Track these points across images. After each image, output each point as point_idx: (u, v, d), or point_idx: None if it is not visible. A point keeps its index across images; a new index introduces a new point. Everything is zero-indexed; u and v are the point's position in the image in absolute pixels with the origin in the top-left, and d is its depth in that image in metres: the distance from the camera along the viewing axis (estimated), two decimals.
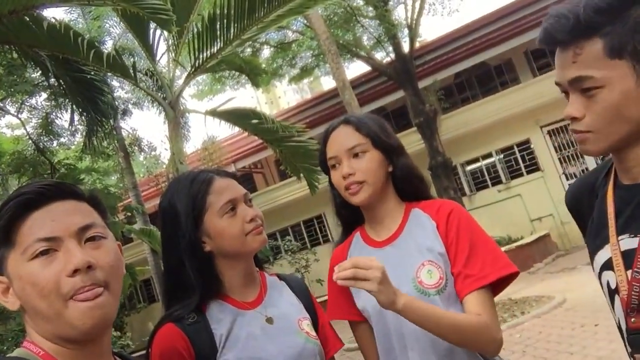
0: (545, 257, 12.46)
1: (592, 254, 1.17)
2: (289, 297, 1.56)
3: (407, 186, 1.63)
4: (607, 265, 1.10)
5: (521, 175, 14.62)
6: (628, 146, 1.07)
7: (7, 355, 0.98)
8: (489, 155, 14.97)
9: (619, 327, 1.12)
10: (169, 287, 1.47)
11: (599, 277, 1.14)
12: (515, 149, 14.68)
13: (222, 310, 1.42)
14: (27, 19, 5.75)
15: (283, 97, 55.29)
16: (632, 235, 1.05)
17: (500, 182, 14.79)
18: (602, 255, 1.12)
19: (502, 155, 14.86)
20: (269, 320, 1.45)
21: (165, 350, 1.34)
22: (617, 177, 1.14)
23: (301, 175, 8.45)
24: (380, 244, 1.60)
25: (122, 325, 15.90)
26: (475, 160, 15.14)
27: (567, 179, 13.83)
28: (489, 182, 14.95)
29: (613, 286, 1.10)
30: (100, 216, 1.05)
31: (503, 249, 1.49)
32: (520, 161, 14.64)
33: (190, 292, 1.41)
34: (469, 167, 15.23)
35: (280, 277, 1.63)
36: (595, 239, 1.16)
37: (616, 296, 1.09)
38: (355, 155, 1.56)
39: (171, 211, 1.45)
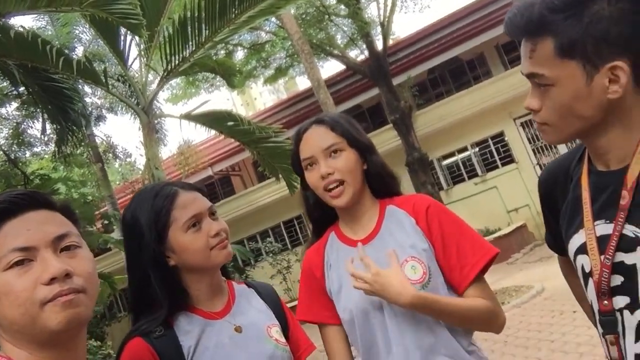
0: (522, 247, 12.66)
1: (567, 238, 1.19)
2: (258, 304, 1.56)
3: (380, 183, 1.64)
4: (582, 249, 1.13)
5: (496, 167, 14.83)
6: (595, 134, 1.09)
7: None
8: (465, 149, 15.15)
9: (592, 310, 1.15)
10: (135, 301, 1.46)
11: (574, 261, 1.17)
12: (490, 142, 14.87)
13: (190, 322, 1.41)
14: None
15: (259, 98, 55.05)
16: (608, 222, 1.08)
17: (476, 175, 14.97)
18: (577, 240, 1.15)
19: (477, 149, 15.05)
20: (238, 329, 1.44)
21: None
22: (590, 162, 1.16)
23: (280, 176, 8.44)
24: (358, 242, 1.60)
25: (103, 335, 15.67)
26: (451, 154, 15.30)
27: (542, 169, 14.03)
28: (465, 176, 15.13)
29: (587, 270, 1.12)
30: (74, 225, 1.04)
31: None
32: (495, 154, 14.85)
33: (157, 305, 1.40)
34: (445, 162, 15.38)
35: (249, 284, 1.63)
36: (570, 223, 1.18)
37: (590, 279, 1.12)
38: (331, 155, 1.56)
39: (134, 225, 1.43)
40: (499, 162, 14.80)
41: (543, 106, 1.08)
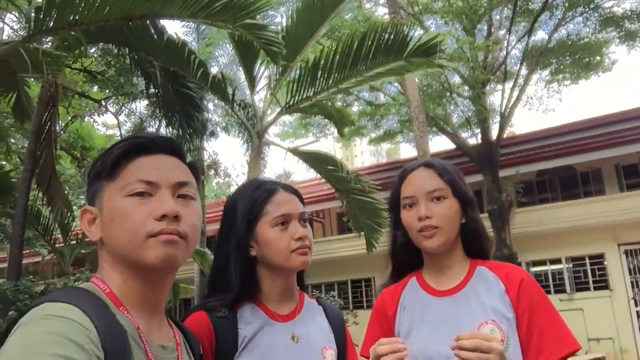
0: None
1: None
2: (322, 323, 1.55)
3: (475, 242, 1.59)
4: None
5: (588, 289, 13.82)
6: None
7: (77, 285, 1.05)
8: (558, 261, 14.31)
9: None
10: (213, 281, 1.51)
11: None
12: (587, 261, 13.96)
13: (253, 314, 1.44)
14: (152, 29, 6.26)
15: (359, 156, 55.88)
16: None
17: (564, 291, 14.03)
18: None
19: (571, 264, 14.16)
20: (294, 338, 1.44)
21: None
22: None
23: (362, 233, 8.44)
24: (441, 294, 1.55)
25: None
26: (543, 262, 14.50)
27: (637, 305, 12.95)
28: (552, 289, 14.21)
29: None
30: (196, 181, 1.12)
31: None
32: (589, 274, 13.88)
33: (229, 289, 1.44)
34: (534, 268, 14.59)
35: (319, 302, 1.63)
36: None
37: None
38: (433, 200, 1.54)
39: (232, 210, 1.51)
40: (591, 285, 13.81)
41: None
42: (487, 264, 1.59)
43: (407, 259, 1.66)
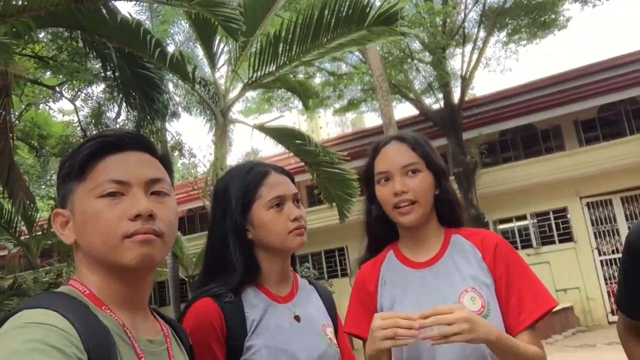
0: (565, 329, 12.08)
1: None
2: (317, 302, 1.59)
3: (449, 211, 1.63)
4: None
5: (553, 242, 14.31)
6: None
7: (54, 290, 1.03)
8: (523, 218, 14.73)
9: None
10: (210, 264, 1.51)
11: None
12: (551, 216, 14.41)
13: (256, 297, 1.45)
14: (103, 10, 6.04)
15: (324, 128, 55.77)
16: None
17: (530, 246, 14.49)
18: None
19: (536, 220, 14.60)
20: (297, 318, 1.47)
21: (199, 322, 1.37)
22: None
23: (333, 204, 8.48)
24: (418, 266, 1.58)
25: None
26: (509, 220, 14.90)
27: (600, 255, 13.48)
28: (519, 245, 14.66)
29: None
30: (168, 175, 1.11)
31: None
32: (554, 228, 14.35)
33: (230, 272, 1.44)
34: (500, 226, 14.99)
35: (311, 282, 1.66)
36: None
37: None
38: (408, 174, 1.55)
39: (224, 193, 1.50)
40: (556, 238, 14.29)
41: None
42: (461, 231, 1.62)
43: (382, 232, 1.68)
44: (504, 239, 1.61)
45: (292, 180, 1.57)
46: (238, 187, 1.49)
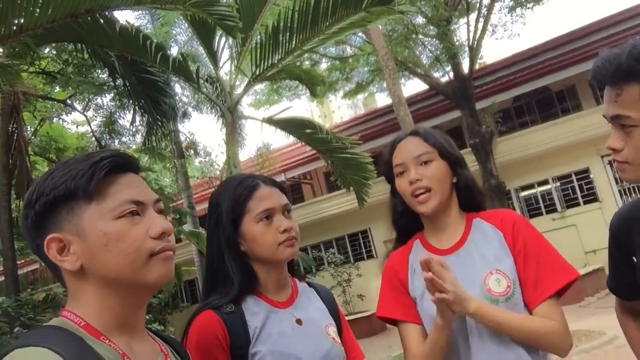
0: (597, 291, 11.92)
1: None
2: (317, 303, 1.62)
3: (469, 197, 1.66)
4: None
5: (578, 205, 14.12)
6: None
7: (45, 324, 1.00)
8: (545, 182, 14.54)
9: None
10: (210, 277, 1.55)
11: None
12: (574, 178, 14.20)
13: (257, 305, 1.49)
14: (102, 21, 6.05)
15: (337, 111, 55.57)
16: None
17: (555, 210, 14.32)
18: None
19: (558, 183, 14.40)
20: (299, 322, 1.50)
21: (203, 335, 1.40)
22: None
23: (351, 188, 8.47)
24: (444, 252, 1.61)
25: (165, 322, 16.28)
26: (531, 186, 14.73)
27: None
28: (543, 210, 14.51)
29: None
30: None
31: None
32: (577, 190, 14.14)
33: (229, 283, 1.49)
34: (523, 193, 14.82)
35: (310, 284, 1.69)
36: None
37: None
38: (422, 164, 1.60)
39: (216, 207, 1.54)
40: (580, 200, 14.09)
41: (626, 146, 1.18)
42: (482, 215, 1.67)
43: (408, 224, 1.73)
44: (522, 216, 1.66)
45: (283, 191, 1.60)
46: (228, 201, 1.53)
